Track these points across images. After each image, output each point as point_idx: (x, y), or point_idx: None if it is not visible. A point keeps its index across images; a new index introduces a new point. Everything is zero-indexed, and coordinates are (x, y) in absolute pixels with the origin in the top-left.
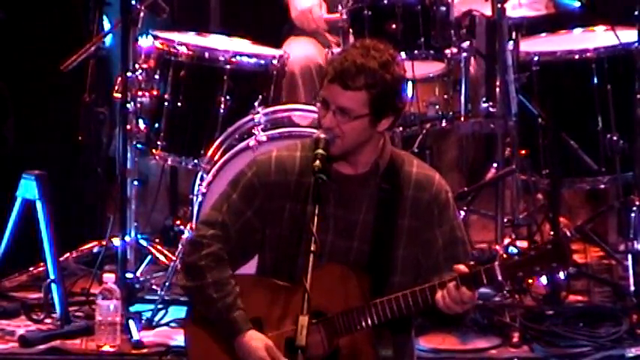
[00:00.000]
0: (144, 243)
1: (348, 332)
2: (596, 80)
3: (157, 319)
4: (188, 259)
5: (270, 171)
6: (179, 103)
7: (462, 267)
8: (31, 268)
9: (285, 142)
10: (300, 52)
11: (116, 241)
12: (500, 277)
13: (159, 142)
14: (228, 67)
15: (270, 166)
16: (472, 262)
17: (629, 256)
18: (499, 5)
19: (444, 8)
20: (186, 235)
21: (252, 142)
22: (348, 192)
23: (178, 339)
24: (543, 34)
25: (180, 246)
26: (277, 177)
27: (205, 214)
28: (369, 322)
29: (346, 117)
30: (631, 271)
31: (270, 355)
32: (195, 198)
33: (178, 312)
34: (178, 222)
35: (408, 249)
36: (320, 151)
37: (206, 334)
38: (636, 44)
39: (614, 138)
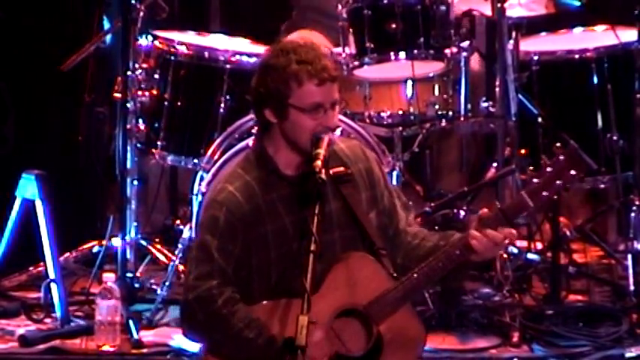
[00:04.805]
0: (144, 243)
1: (388, 316)
2: (596, 80)
3: (156, 318)
4: (204, 314)
5: (240, 202)
6: (179, 103)
7: (487, 211)
8: (31, 268)
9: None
10: None
11: (116, 241)
12: (531, 204)
13: (159, 142)
14: (228, 66)
15: (237, 198)
16: (496, 204)
17: (629, 256)
18: (499, 5)
19: (443, 8)
20: (186, 234)
21: (251, 141)
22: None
23: (177, 339)
24: (543, 34)
25: (180, 245)
26: (249, 204)
27: (195, 270)
28: (408, 297)
29: (335, 108)
30: (631, 271)
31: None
32: (195, 198)
33: (178, 312)
34: (178, 222)
35: (377, 218)
36: (320, 151)
37: None
38: (636, 44)
39: (614, 138)
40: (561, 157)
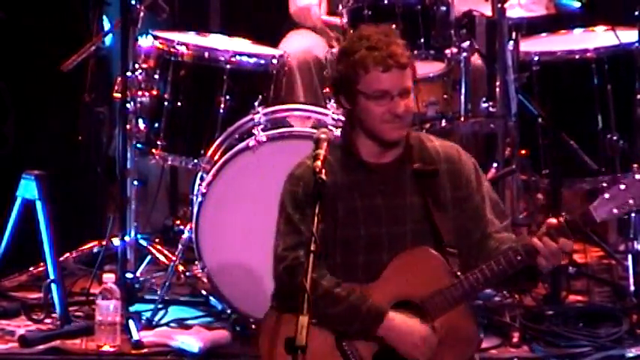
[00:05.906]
0: (144, 243)
1: (443, 312)
2: (596, 80)
3: (156, 319)
4: (295, 283)
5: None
6: (179, 103)
7: (553, 220)
8: (31, 268)
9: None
10: (298, 45)
11: (116, 241)
12: (598, 219)
13: (159, 142)
14: (228, 67)
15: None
16: (563, 214)
17: (629, 256)
18: (499, 5)
19: (444, 8)
20: (185, 235)
21: (252, 142)
22: (390, 179)
23: (178, 339)
24: (543, 34)
25: (180, 246)
26: (328, 178)
27: (283, 243)
28: (466, 297)
29: (407, 96)
30: (631, 271)
31: (425, 345)
32: (195, 198)
33: (178, 312)
34: (178, 222)
35: (457, 220)
36: (321, 151)
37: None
38: (636, 44)
39: (614, 138)
40: (637, 176)
